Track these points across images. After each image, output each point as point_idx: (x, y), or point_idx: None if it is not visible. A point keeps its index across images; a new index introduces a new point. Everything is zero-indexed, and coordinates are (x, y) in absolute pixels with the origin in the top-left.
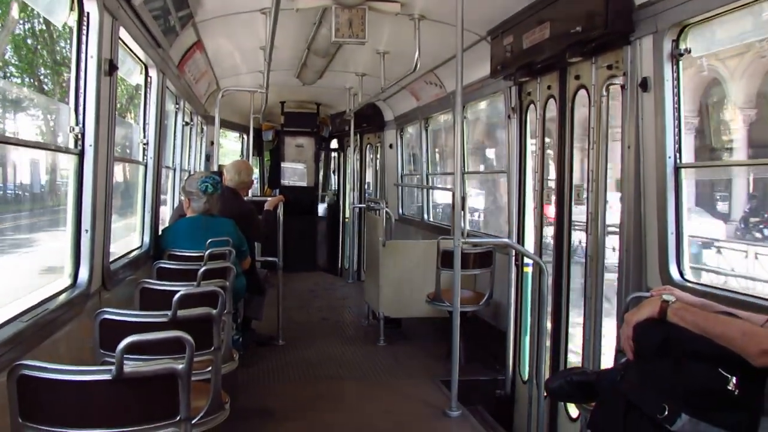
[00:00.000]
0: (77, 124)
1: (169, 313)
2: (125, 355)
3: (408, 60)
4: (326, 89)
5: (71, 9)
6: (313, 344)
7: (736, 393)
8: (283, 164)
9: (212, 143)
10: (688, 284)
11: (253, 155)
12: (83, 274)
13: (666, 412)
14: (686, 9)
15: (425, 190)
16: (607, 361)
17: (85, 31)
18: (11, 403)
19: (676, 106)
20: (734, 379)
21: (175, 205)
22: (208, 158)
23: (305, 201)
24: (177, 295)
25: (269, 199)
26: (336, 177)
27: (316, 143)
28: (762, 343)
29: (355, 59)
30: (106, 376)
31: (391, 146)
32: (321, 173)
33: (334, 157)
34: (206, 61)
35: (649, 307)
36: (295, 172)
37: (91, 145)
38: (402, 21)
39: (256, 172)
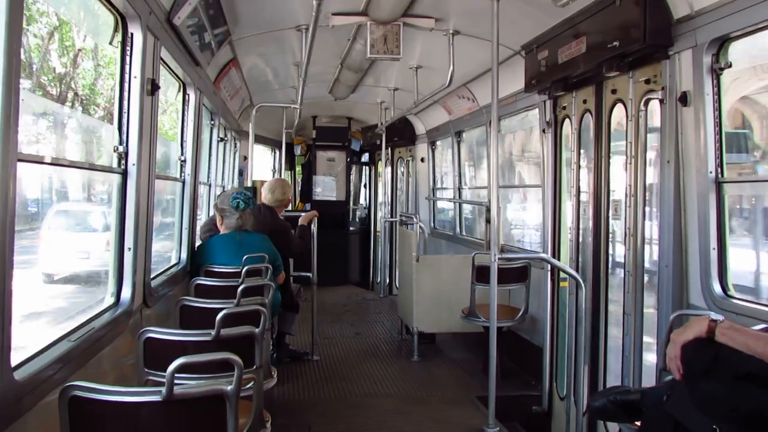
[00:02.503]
0: (121, 144)
1: (212, 332)
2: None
3: (441, 74)
4: (358, 103)
5: (115, 30)
6: (347, 360)
7: None
8: (315, 177)
9: (245, 158)
10: (732, 301)
11: (285, 170)
12: (126, 292)
13: None
14: (726, 23)
15: (457, 204)
16: (647, 378)
17: (129, 52)
18: (62, 423)
19: (716, 120)
20: None
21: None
22: (241, 173)
23: (336, 214)
24: (220, 315)
25: (303, 214)
26: (367, 190)
27: (347, 157)
28: None
29: (387, 74)
30: (156, 398)
31: (422, 160)
32: (352, 187)
33: (365, 170)
34: (240, 78)
35: (696, 326)
36: (326, 186)
37: (134, 165)
38: (435, 36)
39: None
